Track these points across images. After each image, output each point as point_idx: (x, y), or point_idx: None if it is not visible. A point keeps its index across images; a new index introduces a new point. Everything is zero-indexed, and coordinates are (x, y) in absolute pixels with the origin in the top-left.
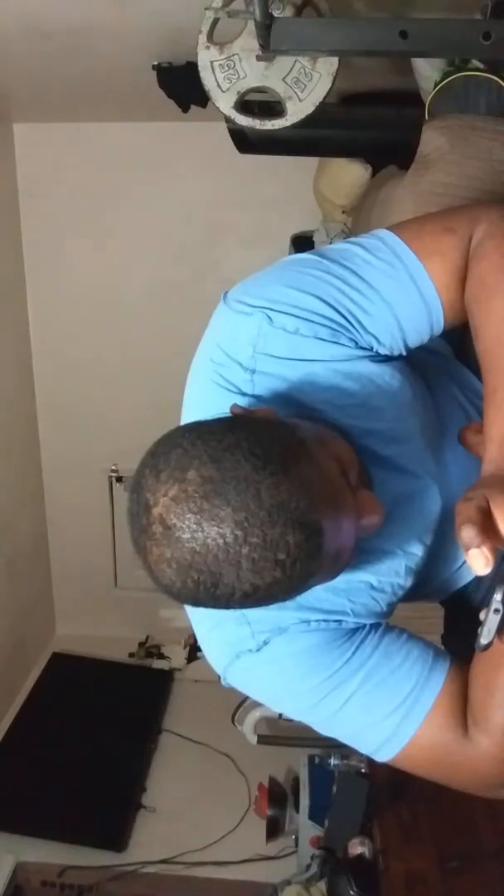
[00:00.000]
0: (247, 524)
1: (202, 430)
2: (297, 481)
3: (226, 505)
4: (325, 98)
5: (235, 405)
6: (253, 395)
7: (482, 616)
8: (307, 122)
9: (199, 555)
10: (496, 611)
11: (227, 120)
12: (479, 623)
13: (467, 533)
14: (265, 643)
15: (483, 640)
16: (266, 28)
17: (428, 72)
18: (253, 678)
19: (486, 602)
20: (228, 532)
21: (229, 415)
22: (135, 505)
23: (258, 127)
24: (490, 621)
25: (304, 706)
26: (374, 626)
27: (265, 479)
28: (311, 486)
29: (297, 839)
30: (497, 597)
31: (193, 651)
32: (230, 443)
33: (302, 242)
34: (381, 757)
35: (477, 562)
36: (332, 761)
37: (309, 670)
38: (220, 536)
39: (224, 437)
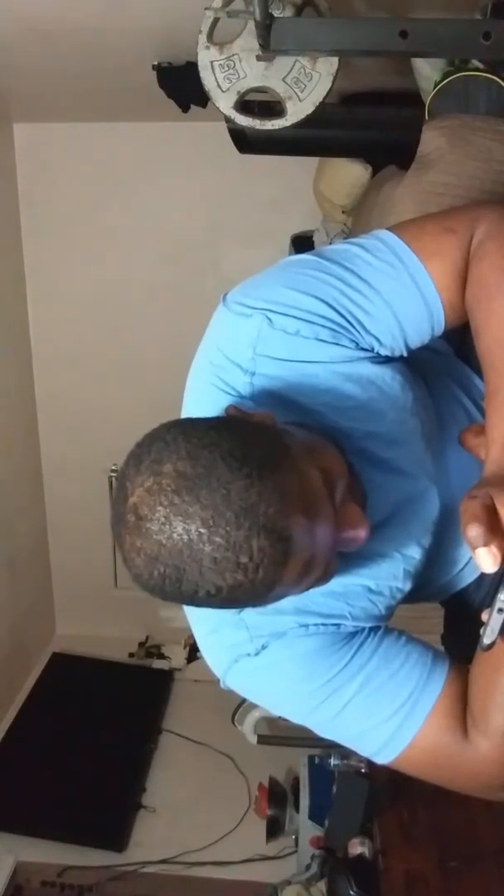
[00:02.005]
0: (212, 523)
1: (187, 426)
2: (271, 486)
3: (195, 502)
4: (325, 98)
5: (231, 406)
6: (252, 398)
7: (485, 616)
8: (307, 122)
9: (164, 548)
10: (500, 610)
11: (227, 120)
12: (480, 623)
13: (474, 532)
14: (263, 647)
15: (486, 640)
16: (266, 28)
17: (428, 72)
18: (252, 682)
19: (487, 602)
20: (194, 529)
21: (224, 416)
22: (116, 492)
23: (258, 127)
24: (494, 621)
25: (303, 710)
26: (373, 630)
27: (237, 481)
28: (285, 493)
29: (297, 839)
30: (501, 596)
31: (193, 651)
32: (210, 441)
33: (302, 242)
34: (381, 759)
35: (484, 560)
36: (332, 761)
37: (308, 674)
38: (185, 532)
39: (206, 435)
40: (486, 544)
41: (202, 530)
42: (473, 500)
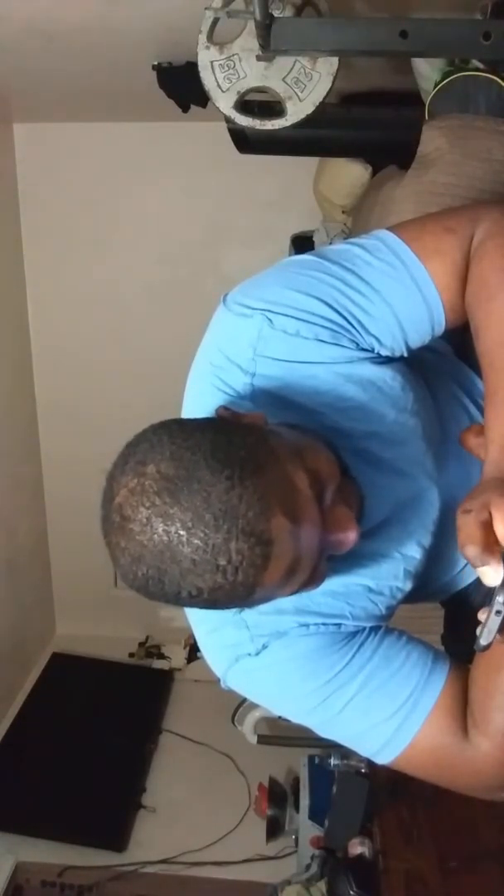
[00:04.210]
0: (191, 525)
1: (174, 427)
2: (251, 489)
3: (175, 504)
4: (325, 98)
5: (221, 407)
6: (252, 399)
7: (482, 616)
8: (307, 122)
9: (146, 549)
10: (497, 612)
11: (227, 120)
12: (478, 623)
13: (471, 553)
14: (264, 647)
15: (483, 641)
16: (266, 28)
17: (428, 72)
18: (252, 682)
19: (487, 602)
20: (173, 531)
21: (212, 417)
22: (104, 492)
23: (258, 127)
24: (491, 622)
25: (303, 709)
26: (374, 629)
27: (218, 483)
28: (267, 496)
29: (297, 839)
30: (499, 598)
31: (193, 651)
32: (194, 443)
33: (302, 242)
34: (382, 759)
35: (487, 578)
36: (332, 761)
37: (308, 674)
38: (165, 534)
39: (191, 436)
40: (483, 564)
41: (181, 532)
42: (468, 514)
